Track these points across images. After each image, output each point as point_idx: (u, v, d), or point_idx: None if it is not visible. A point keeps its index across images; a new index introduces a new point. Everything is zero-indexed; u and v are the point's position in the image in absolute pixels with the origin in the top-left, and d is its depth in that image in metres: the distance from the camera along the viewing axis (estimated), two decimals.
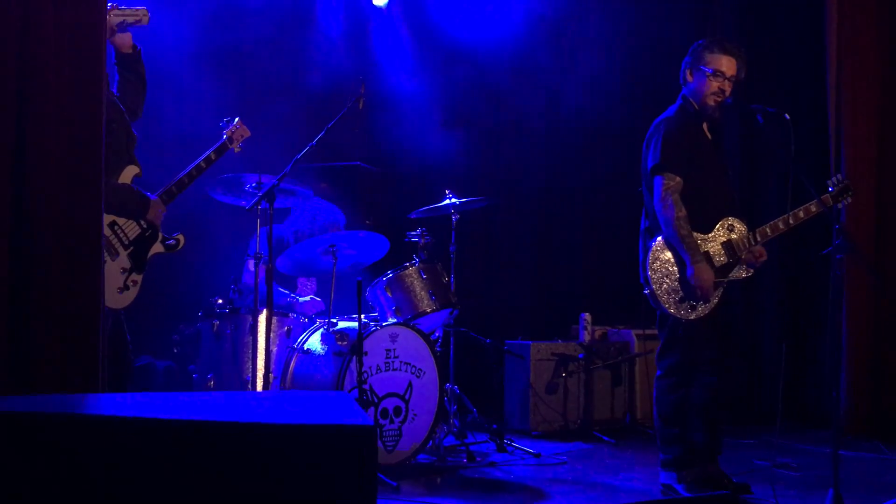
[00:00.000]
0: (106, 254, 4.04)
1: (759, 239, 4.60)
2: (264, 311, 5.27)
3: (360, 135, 6.89)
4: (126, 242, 4.19)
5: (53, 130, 3.29)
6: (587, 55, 8.22)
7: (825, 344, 6.89)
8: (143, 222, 4.29)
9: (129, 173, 4.32)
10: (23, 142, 3.25)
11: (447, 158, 8.30)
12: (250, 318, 5.54)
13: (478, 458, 5.59)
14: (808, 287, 7.08)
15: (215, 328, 5.67)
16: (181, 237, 4.48)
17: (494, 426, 6.01)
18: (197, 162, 4.68)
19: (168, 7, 6.57)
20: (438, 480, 5.17)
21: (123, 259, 4.14)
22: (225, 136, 4.89)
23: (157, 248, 4.34)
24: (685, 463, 4.59)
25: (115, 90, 4.46)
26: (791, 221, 4.59)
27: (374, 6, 8.13)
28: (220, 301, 5.76)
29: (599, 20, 8.11)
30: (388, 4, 8.13)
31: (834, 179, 4.69)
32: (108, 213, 4.10)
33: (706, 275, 4.47)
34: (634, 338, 7.17)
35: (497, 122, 8.53)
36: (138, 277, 4.19)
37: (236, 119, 4.99)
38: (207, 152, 4.77)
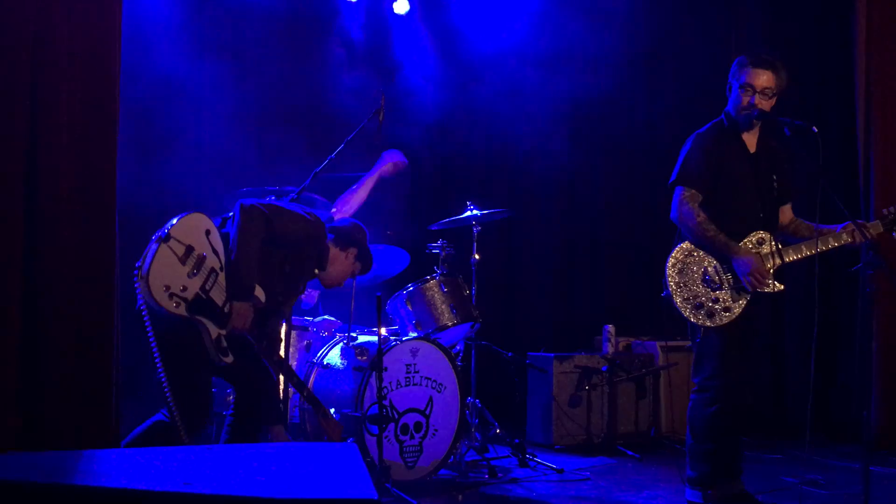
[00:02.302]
0: (191, 264, 3.97)
1: (786, 260, 4.52)
2: (283, 325, 5.23)
3: (381, 145, 6.83)
4: (206, 288, 4.05)
5: (67, 140, 3.28)
6: (610, 65, 8.15)
7: (853, 357, 6.80)
8: (227, 305, 4.17)
9: (258, 292, 4.28)
10: (34, 152, 3.23)
11: (469, 169, 8.26)
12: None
13: (499, 474, 5.51)
14: (835, 300, 6.97)
15: None
16: (231, 359, 4.21)
17: (516, 440, 5.94)
18: (301, 386, 4.67)
19: (188, 16, 6.58)
20: (460, 498, 5.11)
21: (192, 286, 3.99)
22: (323, 410, 4.68)
23: (212, 329, 4.12)
24: (712, 481, 4.53)
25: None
26: (823, 247, 4.51)
27: (396, 14, 8.09)
28: None
29: (622, 31, 8.03)
30: (410, 13, 8.08)
31: (892, 208, 4.58)
32: (224, 259, 4.14)
33: (749, 262, 4.41)
34: (659, 350, 7.07)
35: (519, 132, 8.46)
36: (183, 308, 3.97)
37: (341, 427, 4.80)
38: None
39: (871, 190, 6.59)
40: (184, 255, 3.95)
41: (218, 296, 4.13)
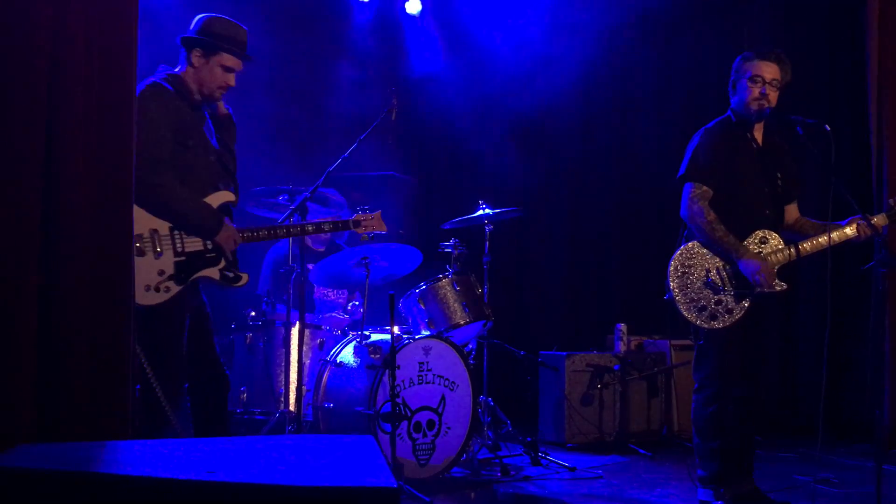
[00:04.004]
0: (149, 249, 3.94)
1: (800, 254, 4.52)
2: (297, 323, 5.26)
3: (393, 145, 6.88)
4: (179, 250, 4.01)
5: (83, 138, 3.30)
6: (621, 66, 8.15)
7: (866, 356, 6.79)
8: (208, 242, 4.11)
9: (219, 197, 4.21)
10: (51, 149, 3.25)
11: (481, 169, 8.28)
12: (283, 331, 5.53)
13: (512, 472, 5.53)
14: (848, 298, 6.97)
15: (248, 340, 5.67)
16: (246, 276, 4.24)
17: (529, 439, 5.96)
18: (305, 222, 4.50)
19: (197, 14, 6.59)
20: (472, 495, 5.13)
21: (167, 262, 3.97)
22: (353, 217, 4.69)
23: (212, 272, 4.12)
24: (723, 479, 4.53)
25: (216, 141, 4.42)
26: (836, 239, 4.51)
27: (408, 15, 8.12)
28: (253, 313, 5.76)
29: (633, 29, 8.04)
30: (422, 13, 8.11)
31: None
32: (172, 224, 4.02)
33: (756, 263, 4.41)
34: (671, 348, 7.08)
35: (531, 132, 8.48)
36: (174, 287, 3.99)
37: (378, 211, 4.80)
38: (323, 218, 4.60)
39: (884, 187, 6.56)
40: (137, 248, 3.86)
41: (195, 244, 4.06)
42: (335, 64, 7.77)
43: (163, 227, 4.01)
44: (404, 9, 8.07)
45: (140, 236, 3.90)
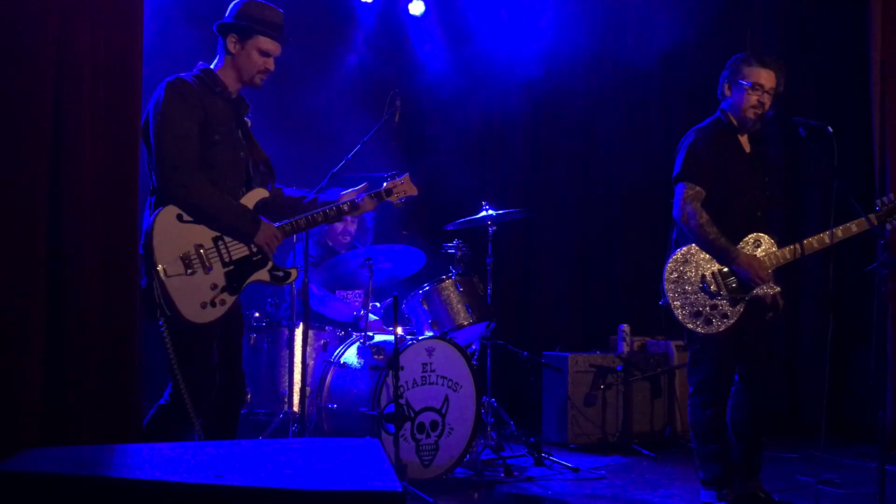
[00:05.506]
0: (198, 265, 3.79)
1: (805, 251, 4.52)
2: (301, 324, 5.28)
3: (396, 146, 6.88)
4: (227, 260, 3.87)
5: (89, 140, 3.32)
6: (625, 68, 8.15)
7: (868, 357, 6.79)
8: (252, 246, 3.97)
9: (254, 196, 4.05)
10: (58, 150, 3.27)
11: (484, 169, 8.29)
12: (287, 332, 5.56)
13: (515, 473, 5.55)
14: (850, 300, 6.97)
15: (252, 341, 5.70)
16: (294, 271, 4.11)
17: (532, 439, 5.97)
18: (340, 203, 4.33)
19: (199, 13, 6.61)
20: (476, 496, 5.14)
21: (218, 275, 3.83)
22: (384, 186, 4.51)
23: (262, 275, 3.99)
24: (725, 481, 4.54)
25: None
26: (829, 240, 4.50)
27: (411, 16, 8.12)
28: (257, 314, 5.78)
29: (637, 29, 8.04)
30: (425, 14, 8.11)
31: (885, 199, 4.58)
32: (214, 230, 3.88)
33: (750, 263, 4.41)
34: (674, 349, 7.09)
35: (534, 132, 8.49)
36: (229, 298, 3.86)
37: (406, 174, 4.61)
38: (356, 197, 4.41)
39: (887, 190, 6.57)
40: (185, 266, 3.75)
41: (241, 250, 3.94)
42: (338, 65, 7.78)
43: (206, 240, 3.86)
44: (407, 10, 8.08)
45: (187, 254, 3.78)
